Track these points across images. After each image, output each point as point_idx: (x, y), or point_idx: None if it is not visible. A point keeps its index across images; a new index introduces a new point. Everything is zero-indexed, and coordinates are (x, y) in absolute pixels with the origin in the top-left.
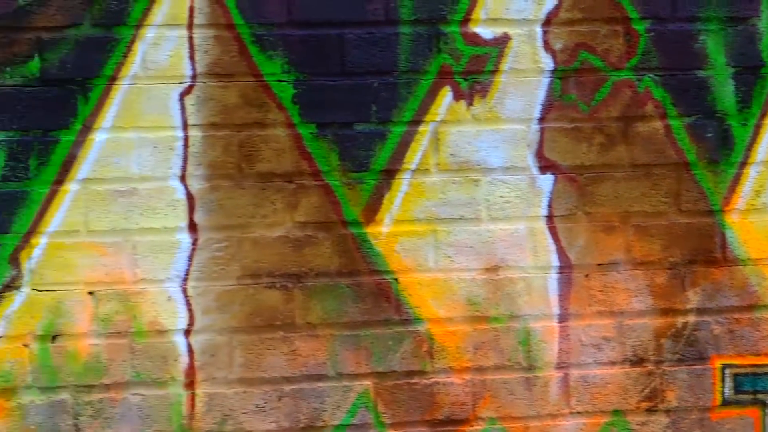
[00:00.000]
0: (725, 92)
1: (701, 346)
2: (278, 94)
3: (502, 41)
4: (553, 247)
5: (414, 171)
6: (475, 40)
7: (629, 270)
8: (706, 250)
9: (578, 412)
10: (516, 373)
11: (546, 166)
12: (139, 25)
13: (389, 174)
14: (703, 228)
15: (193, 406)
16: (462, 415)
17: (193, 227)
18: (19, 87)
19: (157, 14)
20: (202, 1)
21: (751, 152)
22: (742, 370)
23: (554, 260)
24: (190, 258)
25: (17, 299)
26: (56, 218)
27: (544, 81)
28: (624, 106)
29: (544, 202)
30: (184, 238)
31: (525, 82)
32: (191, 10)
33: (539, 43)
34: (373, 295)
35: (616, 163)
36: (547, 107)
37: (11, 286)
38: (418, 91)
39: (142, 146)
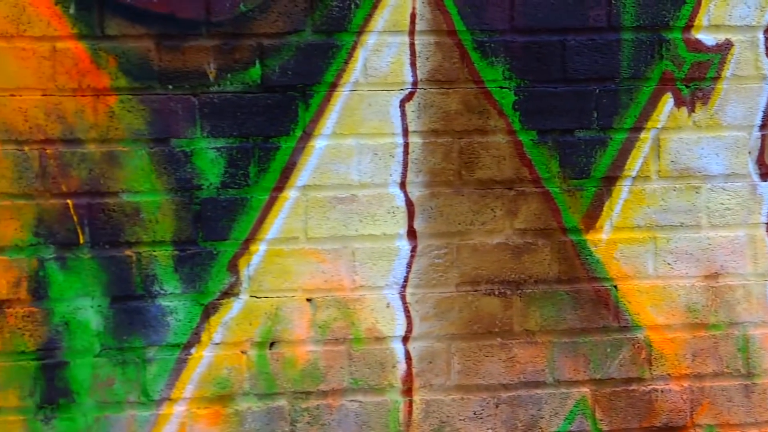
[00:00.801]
0: None
1: None
2: (499, 101)
3: (725, 48)
4: None
5: (634, 178)
6: (697, 46)
7: None
8: None
9: None
10: (734, 381)
11: (767, 173)
12: (360, 32)
13: (610, 181)
14: None
15: (410, 412)
16: (679, 422)
17: (412, 234)
18: (240, 94)
19: (379, 21)
20: (423, 8)
21: None
22: None
23: None
24: (409, 265)
25: (235, 306)
26: (275, 225)
27: (766, 88)
28: None
29: (765, 209)
30: (403, 245)
31: (746, 88)
32: (413, 16)
33: (761, 49)
34: (591, 302)
35: None
36: None
37: (230, 293)
38: (639, 98)
39: (362, 153)
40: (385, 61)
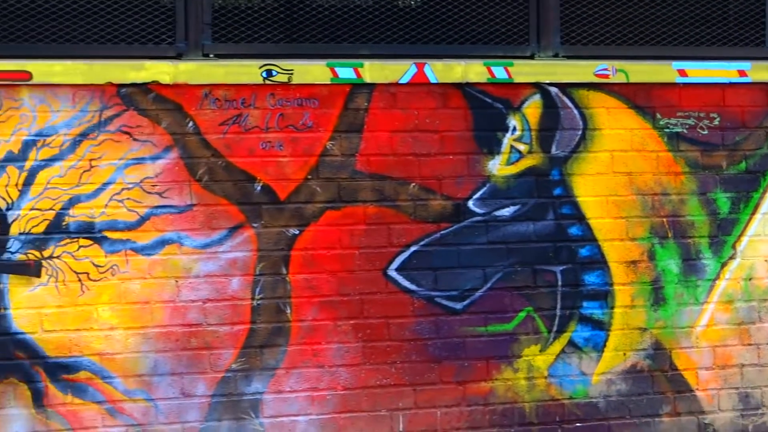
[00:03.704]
0: None
1: None
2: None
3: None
4: None
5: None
6: None
7: None
8: None
9: None
10: None
11: None
12: None
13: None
14: None
15: None
16: None
17: None
18: (735, 174)
19: None
20: None
21: None
22: None
23: None
24: None
25: (734, 264)
26: (751, 229)
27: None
28: None
29: None
30: None
31: None
32: None
33: None
34: None
35: None
36: None
37: (731, 258)
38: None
39: None
40: None
